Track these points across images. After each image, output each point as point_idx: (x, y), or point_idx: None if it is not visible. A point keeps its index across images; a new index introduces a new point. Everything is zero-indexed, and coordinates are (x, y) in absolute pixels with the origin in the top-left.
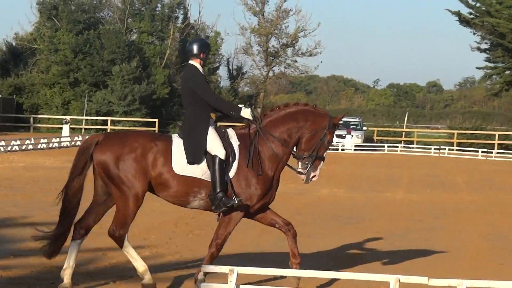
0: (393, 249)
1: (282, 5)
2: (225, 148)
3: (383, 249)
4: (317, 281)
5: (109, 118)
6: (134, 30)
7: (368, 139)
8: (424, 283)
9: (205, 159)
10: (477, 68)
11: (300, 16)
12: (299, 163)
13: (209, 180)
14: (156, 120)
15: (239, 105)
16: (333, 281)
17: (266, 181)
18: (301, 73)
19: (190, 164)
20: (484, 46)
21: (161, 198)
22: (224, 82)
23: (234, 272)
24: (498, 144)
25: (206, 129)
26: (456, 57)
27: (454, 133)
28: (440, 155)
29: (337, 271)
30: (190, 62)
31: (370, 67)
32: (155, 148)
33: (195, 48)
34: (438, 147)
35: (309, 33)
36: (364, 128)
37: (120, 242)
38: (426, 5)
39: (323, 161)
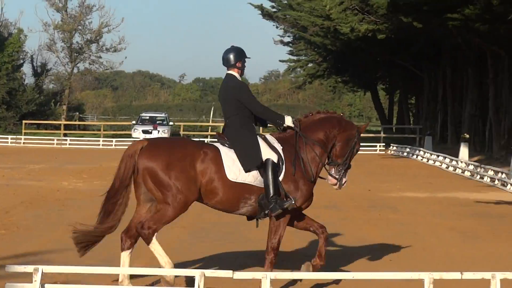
0: (199, 243)
1: (85, 1)
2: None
3: (190, 243)
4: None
5: None
6: None
7: (174, 134)
8: (229, 276)
9: None
10: (280, 61)
11: (103, 12)
12: (332, 169)
13: (260, 185)
14: None
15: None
16: None
17: (312, 183)
18: (106, 69)
19: (245, 172)
20: (287, 39)
21: (207, 205)
22: (29, 79)
23: (38, 271)
24: None
25: (255, 136)
26: (261, 51)
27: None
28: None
29: (147, 266)
30: (229, 72)
31: (175, 62)
32: (204, 156)
33: (232, 58)
34: None
35: (113, 28)
36: (171, 123)
37: (149, 238)
38: None
39: (350, 169)
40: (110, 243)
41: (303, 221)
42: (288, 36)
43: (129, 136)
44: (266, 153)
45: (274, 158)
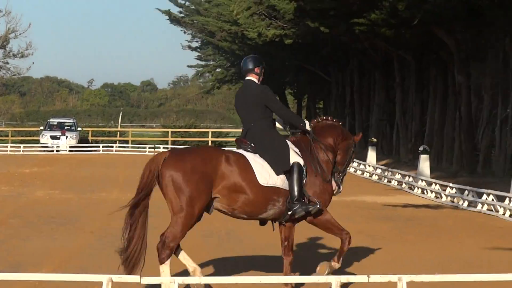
0: (107, 248)
1: None
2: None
3: (98, 249)
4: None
5: None
6: None
7: (83, 139)
8: (137, 281)
9: None
10: (189, 66)
11: (10, 17)
12: (334, 175)
13: (287, 188)
14: None
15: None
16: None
17: (330, 186)
18: (13, 75)
19: (278, 175)
20: (195, 44)
21: (227, 210)
22: None
23: None
24: (212, 141)
25: (283, 139)
26: (169, 56)
27: (168, 132)
28: (155, 154)
29: (52, 272)
30: (248, 78)
31: (83, 68)
32: (227, 161)
33: (250, 64)
34: (153, 146)
35: (20, 34)
36: (79, 128)
37: (166, 257)
38: (137, 5)
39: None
40: (20, 250)
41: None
42: (196, 41)
43: (37, 142)
44: (294, 156)
45: (301, 161)
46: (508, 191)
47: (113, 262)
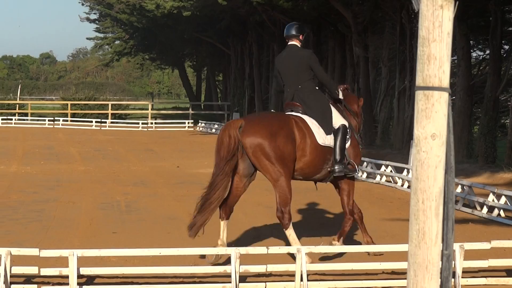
0: (6, 221)
1: None
2: None
3: None
4: None
5: None
6: None
7: None
8: (36, 254)
9: None
10: (88, 38)
11: None
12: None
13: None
14: None
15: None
16: None
17: (360, 150)
18: None
19: (327, 135)
20: (93, 16)
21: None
22: None
23: None
24: (112, 114)
25: (326, 101)
26: (68, 28)
27: (67, 104)
28: (55, 126)
29: None
30: (292, 43)
31: None
32: (295, 123)
33: (294, 30)
34: (53, 118)
35: None
36: None
37: (288, 220)
38: None
39: None
40: None
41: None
42: (95, 13)
43: None
44: (340, 118)
45: (346, 124)
46: (406, 163)
47: (12, 235)
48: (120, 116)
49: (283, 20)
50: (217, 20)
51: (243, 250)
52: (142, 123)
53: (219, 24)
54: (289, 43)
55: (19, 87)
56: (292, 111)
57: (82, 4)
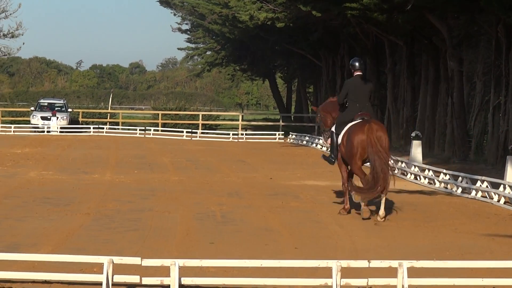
0: (104, 230)
1: None
2: None
3: (94, 230)
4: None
5: None
6: None
7: (73, 121)
8: (138, 263)
9: None
10: (179, 49)
11: None
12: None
13: None
14: None
15: None
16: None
17: None
18: (4, 55)
19: None
20: (185, 27)
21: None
22: None
23: None
24: (202, 124)
25: None
26: (158, 38)
27: (158, 114)
28: (146, 136)
29: (50, 253)
30: (359, 73)
31: (72, 49)
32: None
33: (360, 64)
34: (144, 128)
35: (10, 14)
36: (69, 109)
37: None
38: None
39: None
40: (16, 231)
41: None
42: (186, 23)
43: (28, 122)
44: None
45: None
46: (502, 178)
47: (111, 244)
48: (210, 127)
49: (376, 33)
50: (309, 31)
51: (344, 263)
52: (233, 134)
53: (311, 36)
54: (356, 74)
55: (111, 96)
56: (363, 117)
57: (174, 15)
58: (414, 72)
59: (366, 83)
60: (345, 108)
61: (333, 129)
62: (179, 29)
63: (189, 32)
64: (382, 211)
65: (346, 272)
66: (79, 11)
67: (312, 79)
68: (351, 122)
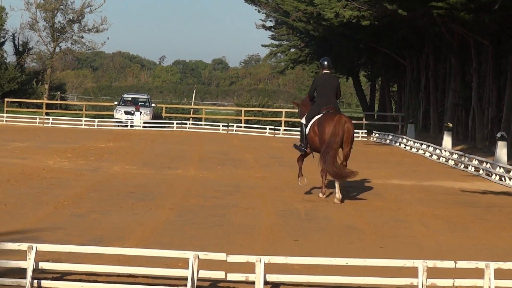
0: (188, 225)
1: None
2: None
3: (178, 225)
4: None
5: None
6: None
7: (156, 116)
8: (223, 259)
9: None
10: (262, 45)
11: None
12: None
13: None
14: None
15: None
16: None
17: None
18: (88, 50)
19: None
20: (269, 24)
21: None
22: (10, 58)
23: (32, 249)
24: (285, 121)
25: None
26: (241, 35)
27: (241, 110)
28: (229, 132)
29: (135, 247)
30: (327, 71)
31: (155, 44)
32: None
33: (329, 64)
34: (227, 124)
35: (95, 9)
36: (153, 105)
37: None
38: None
39: None
40: (101, 224)
41: None
42: (270, 20)
43: (111, 116)
44: None
45: None
46: None
47: (195, 240)
48: (293, 124)
49: (461, 33)
50: (394, 30)
51: (430, 263)
52: None
53: (396, 35)
54: (324, 71)
55: (194, 91)
56: (328, 110)
57: (259, 12)
58: (500, 73)
59: (332, 80)
60: (314, 102)
61: (302, 120)
62: (263, 26)
63: (273, 29)
64: (337, 194)
65: (432, 272)
66: (163, 7)
67: (396, 78)
68: (318, 115)
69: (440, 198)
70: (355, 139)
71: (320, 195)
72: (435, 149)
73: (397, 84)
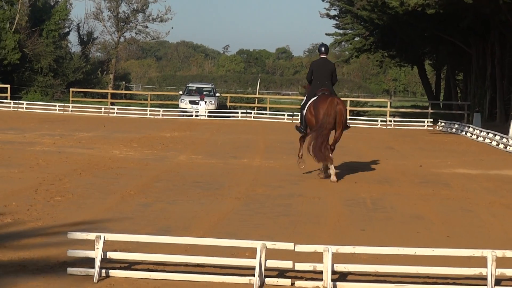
0: (254, 215)
1: None
2: None
3: (244, 215)
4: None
5: None
6: None
7: (221, 105)
8: (291, 249)
9: None
10: (326, 34)
11: None
12: None
13: None
14: (8, 86)
15: None
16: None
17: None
18: (152, 39)
19: None
20: (333, 12)
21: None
22: (75, 48)
23: (100, 239)
24: (350, 110)
25: None
26: (305, 24)
27: None
28: (293, 121)
29: (202, 237)
30: (324, 57)
31: (219, 33)
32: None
33: (326, 49)
34: (292, 113)
35: None
36: (217, 94)
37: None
38: None
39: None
40: (167, 214)
41: None
42: (335, 9)
43: (176, 106)
44: None
45: None
46: None
47: (261, 229)
48: (358, 113)
49: None
50: (459, 18)
51: (500, 253)
52: (381, 121)
53: (462, 23)
54: (321, 56)
55: (258, 81)
56: (324, 92)
57: (323, 0)
58: None
59: (327, 64)
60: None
61: (302, 103)
62: (327, 15)
63: (337, 18)
64: (332, 177)
65: (501, 262)
66: None
67: (461, 66)
68: (314, 97)
69: (508, 187)
70: (420, 128)
71: (298, 160)
72: (501, 137)
73: (462, 72)
